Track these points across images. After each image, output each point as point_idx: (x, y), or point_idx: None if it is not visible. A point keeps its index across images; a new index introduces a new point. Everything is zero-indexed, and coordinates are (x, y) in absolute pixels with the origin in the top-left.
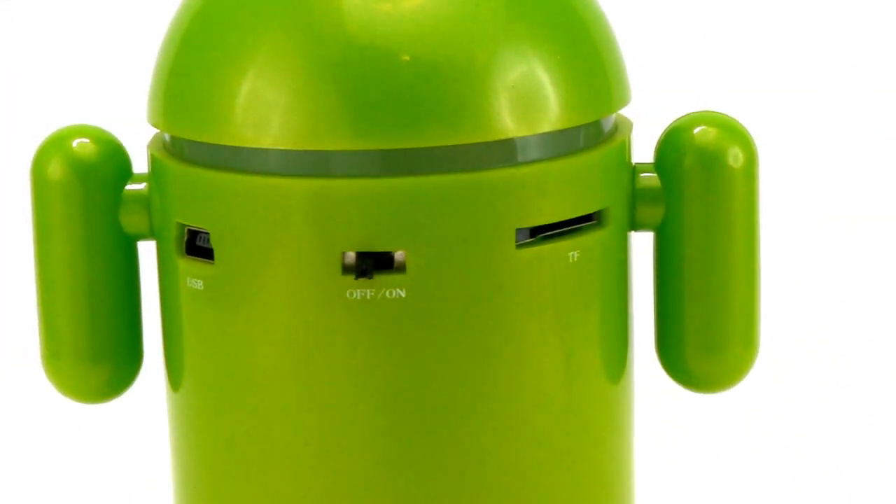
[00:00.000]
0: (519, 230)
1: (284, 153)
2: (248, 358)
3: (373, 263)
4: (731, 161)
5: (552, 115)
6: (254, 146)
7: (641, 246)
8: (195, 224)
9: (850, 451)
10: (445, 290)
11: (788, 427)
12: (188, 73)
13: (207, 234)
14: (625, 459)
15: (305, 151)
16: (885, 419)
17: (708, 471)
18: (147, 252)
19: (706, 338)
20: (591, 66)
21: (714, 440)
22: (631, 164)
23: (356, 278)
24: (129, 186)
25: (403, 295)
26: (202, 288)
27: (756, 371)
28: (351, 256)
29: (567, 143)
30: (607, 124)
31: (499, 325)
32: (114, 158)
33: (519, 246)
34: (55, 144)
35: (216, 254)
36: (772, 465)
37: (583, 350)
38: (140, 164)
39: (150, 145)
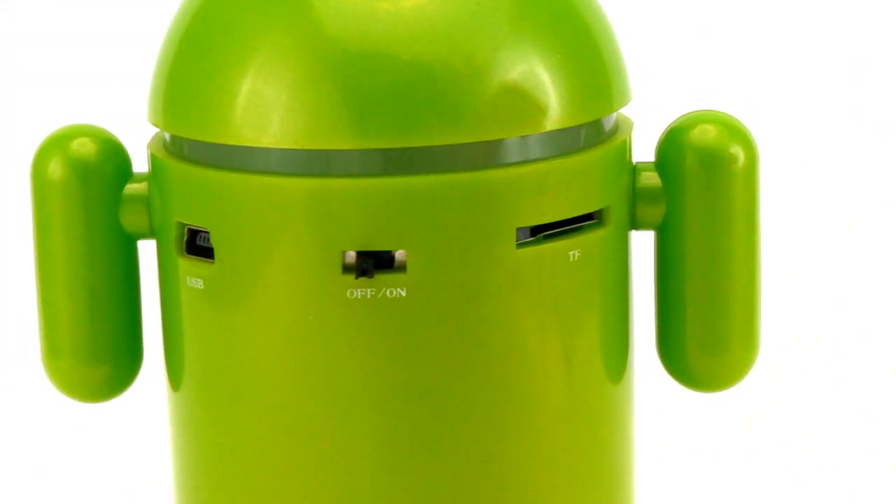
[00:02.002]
0: (519, 229)
1: (284, 152)
2: (249, 357)
3: (373, 263)
4: (731, 160)
5: (553, 114)
6: (254, 145)
7: (642, 245)
8: (195, 223)
9: (850, 451)
10: (446, 290)
11: (789, 426)
12: (189, 73)
13: (207, 233)
14: (625, 458)
15: (306, 150)
16: (885, 419)
17: (708, 470)
18: (146, 252)
19: (707, 337)
20: (592, 64)
21: (714, 439)
22: (632, 163)
23: (356, 277)
24: (129, 186)
25: (404, 294)
26: (202, 287)
27: (756, 370)
28: (351, 256)
29: (568, 142)
30: (608, 123)
31: (499, 324)
32: (114, 158)
33: (519, 245)
34: (55, 144)
35: (216, 253)
36: (772, 464)
37: (583, 349)
38: (139, 164)
39: (150, 145)
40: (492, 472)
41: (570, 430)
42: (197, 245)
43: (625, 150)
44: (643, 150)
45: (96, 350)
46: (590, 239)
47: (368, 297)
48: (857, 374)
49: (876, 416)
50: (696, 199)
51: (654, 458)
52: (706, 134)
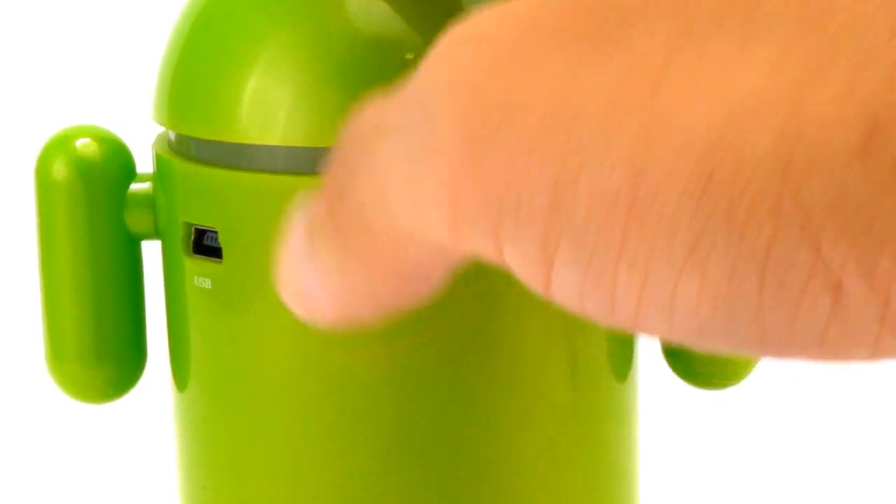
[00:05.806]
0: None
1: (291, 150)
2: (257, 357)
3: None
4: None
5: None
6: (260, 143)
7: None
8: (202, 223)
9: (850, 450)
10: (450, 287)
11: (794, 423)
12: (194, 71)
13: (215, 232)
14: (630, 457)
15: (312, 148)
16: (886, 418)
17: (712, 468)
18: (148, 253)
19: None
20: None
21: (719, 437)
22: None
23: None
24: (133, 186)
25: None
26: (210, 287)
27: (760, 367)
28: None
29: None
30: None
31: (503, 321)
32: (118, 158)
33: None
34: (59, 144)
35: (224, 252)
36: (777, 462)
37: (588, 347)
38: (143, 165)
39: (155, 144)
40: (495, 469)
41: (575, 427)
42: (204, 245)
43: None
44: None
45: (100, 351)
46: None
47: None
48: (857, 373)
49: (876, 415)
50: None
51: (657, 457)
52: None
